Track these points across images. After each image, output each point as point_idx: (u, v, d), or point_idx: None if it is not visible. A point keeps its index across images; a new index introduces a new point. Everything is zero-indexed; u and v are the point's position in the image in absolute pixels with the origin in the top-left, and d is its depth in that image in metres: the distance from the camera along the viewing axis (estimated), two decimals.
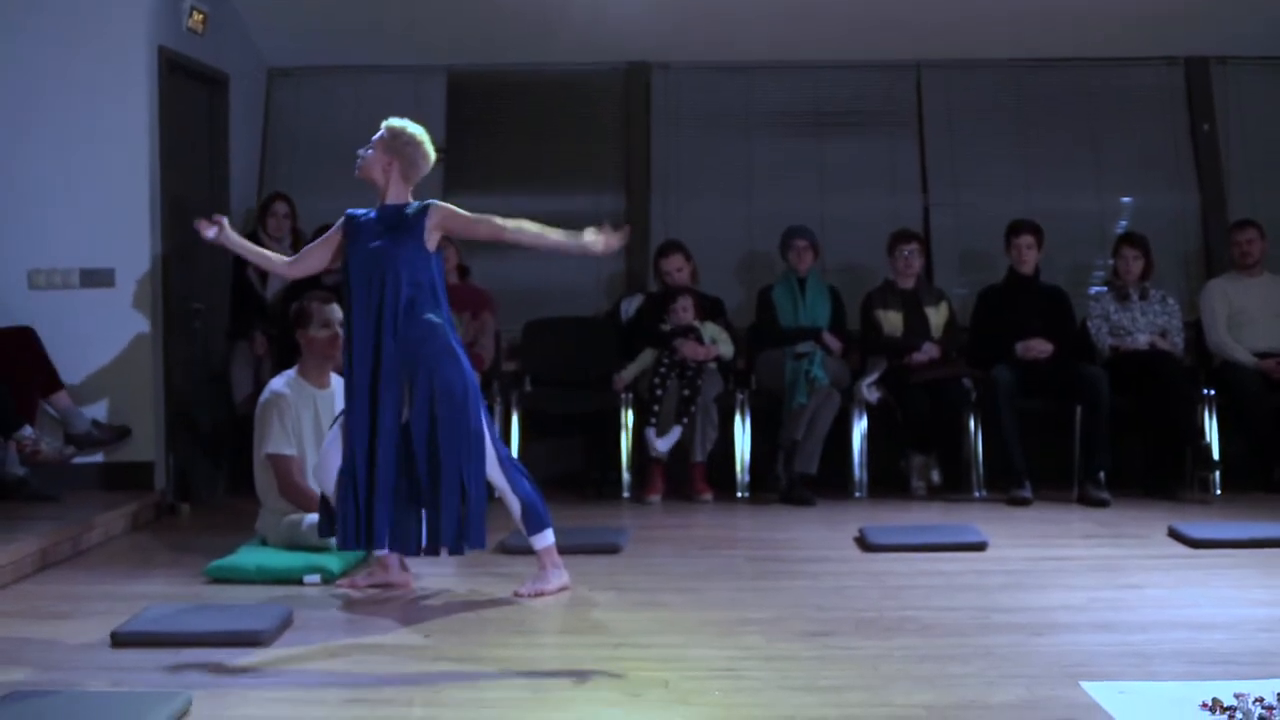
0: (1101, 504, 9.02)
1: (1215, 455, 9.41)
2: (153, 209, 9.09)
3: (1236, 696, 4.55)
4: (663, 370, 9.51)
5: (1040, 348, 9.59)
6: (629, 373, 9.74)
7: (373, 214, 6.66)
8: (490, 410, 9.62)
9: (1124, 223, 10.85)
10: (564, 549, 7.29)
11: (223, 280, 9.98)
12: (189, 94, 9.73)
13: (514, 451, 9.60)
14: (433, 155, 6.71)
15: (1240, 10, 10.57)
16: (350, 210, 6.77)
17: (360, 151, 6.72)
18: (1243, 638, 5.63)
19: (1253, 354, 9.68)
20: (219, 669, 5.30)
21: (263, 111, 11.00)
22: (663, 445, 9.38)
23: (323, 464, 6.70)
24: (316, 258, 6.92)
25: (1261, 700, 4.49)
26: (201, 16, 9.62)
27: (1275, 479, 9.51)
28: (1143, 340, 9.67)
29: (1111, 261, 10.05)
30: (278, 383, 7.53)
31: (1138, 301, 9.79)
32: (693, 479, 9.49)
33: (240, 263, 9.95)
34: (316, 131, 10.98)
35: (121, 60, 9.03)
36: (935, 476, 9.72)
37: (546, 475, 9.76)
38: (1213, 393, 9.64)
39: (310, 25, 10.59)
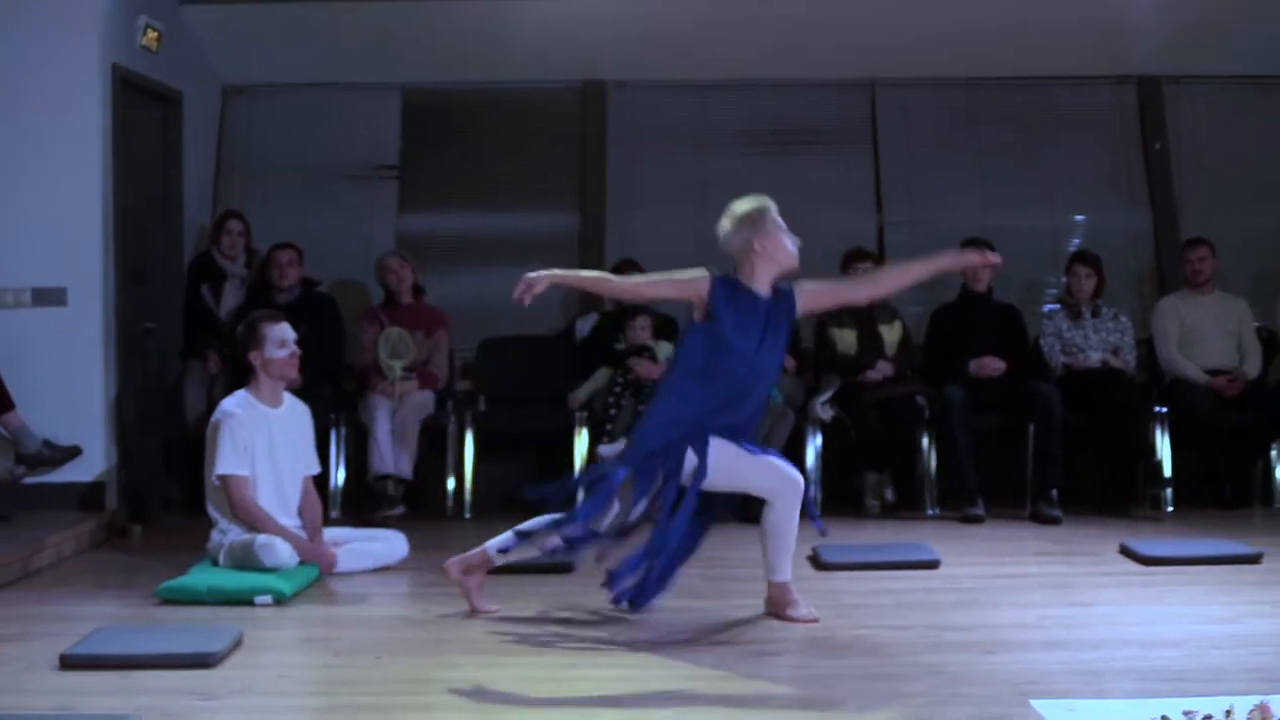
0: (1054, 521, 9.05)
1: (1167, 472, 9.47)
2: (106, 228, 9.05)
3: (1186, 714, 4.55)
4: (617, 389, 9.52)
5: (993, 365, 9.63)
6: (584, 391, 9.74)
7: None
8: (444, 429, 9.70)
9: (1077, 240, 10.91)
10: (516, 568, 7.30)
11: (176, 299, 9.96)
12: (143, 112, 9.70)
13: (469, 470, 9.66)
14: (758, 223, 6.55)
15: (1192, 30, 10.65)
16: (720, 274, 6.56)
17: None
18: (1193, 655, 5.64)
19: (1204, 371, 9.74)
20: (169, 691, 5.25)
21: (217, 129, 10.98)
22: (606, 452, 9.37)
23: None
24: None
25: (1211, 718, 4.50)
26: (155, 34, 9.59)
27: (1226, 496, 9.56)
28: (1095, 358, 9.71)
29: (1064, 279, 10.10)
30: (230, 402, 7.49)
31: (1090, 319, 9.84)
32: None
33: (194, 281, 9.95)
34: (271, 149, 10.98)
35: (75, 78, 8.99)
36: (889, 495, 9.74)
37: (501, 493, 9.83)
38: (1164, 410, 9.69)
39: (264, 43, 10.58)
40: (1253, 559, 7.58)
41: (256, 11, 10.36)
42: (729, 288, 6.39)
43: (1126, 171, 11.11)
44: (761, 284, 6.43)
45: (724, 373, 6.34)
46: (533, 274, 6.41)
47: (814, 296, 6.65)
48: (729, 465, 6.35)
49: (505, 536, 6.63)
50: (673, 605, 6.69)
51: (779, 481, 6.40)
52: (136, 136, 9.55)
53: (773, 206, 6.51)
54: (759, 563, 6.52)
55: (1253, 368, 9.83)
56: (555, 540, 6.55)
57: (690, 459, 6.30)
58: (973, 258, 6.72)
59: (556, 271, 6.61)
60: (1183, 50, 10.88)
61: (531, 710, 5.03)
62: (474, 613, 6.54)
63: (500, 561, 6.65)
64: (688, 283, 6.47)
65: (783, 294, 6.48)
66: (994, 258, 6.69)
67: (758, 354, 6.38)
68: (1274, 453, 9.65)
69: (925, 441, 9.65)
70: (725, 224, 6.50)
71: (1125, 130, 11.18)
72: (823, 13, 10.40)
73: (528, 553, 6.65)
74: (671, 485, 6.34)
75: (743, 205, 6.51)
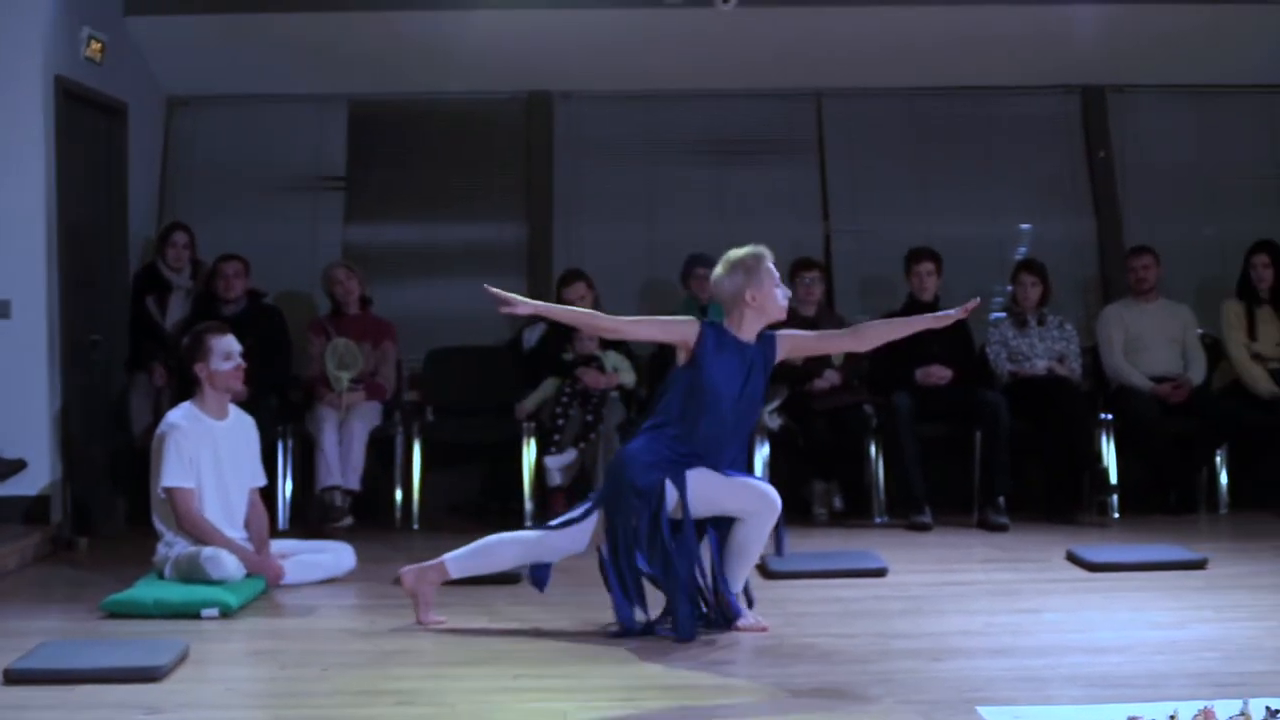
0: (1001, 529, 9.08)
1: (1113, 479, 9.51)
2: (49, 239, 8.98)
3: (1131, 719, 4.58)
4: (565, 399, 9.51)
5: (940, 374, 9.67)
6: (531, 402, 9.73)
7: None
8: (391, 440, 9.67)
9: (1022, 249, 10.96)
10: (463, 580, 7.29)
11: (121, 311, 9.91)
12: (87, 123, 9.65)
13: (416, 480, 9.64)
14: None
15: (1136, 40, 10.71)
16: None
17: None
18: (1138, 660, 5.67)
19: (1149, 379, 9.79)
20: (115, 705, 5.23)
21: (162, 141, 10.92)
22: (552, 463, 9.38)
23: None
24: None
25: None
26: (99, 45, 9.54)
27: (1172, 502, 9.62)
28: (1041, 366, 9.76)
29: (1010, 288, 10.15)
30: (175, 415, 7.46)
31: (1036, 327, 9.89)
32: None
33: (139, 293, 9.90)
34: (216, 161, 10.93)
35: (17, 89, 8.93)
36: (837, 503, 9.77)
37: (447, 504, 9.82)
38: (1110, 417, 9.75)
39: (210, 54, 10.53)
40: (1198, 564, 7.63)
41: (201, 23, 10.32)
42: (716, 336, 6.39)
43: (1071, 180, 11.16)
44: (748, 333, 6.44)
45: (706, 417, 6.35)
46: (516, 298, 6.37)
47: (794, 344, 6.67)
48: (707, 493, 6.36)
49: (465, 550, 6.60)
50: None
51: (757, 502, 6.42)
52: (81, 148, 9.49)
53: (769, 256, 6.47)
54: (703, 572, 6.51)
55: (1197, 374, 9.89)
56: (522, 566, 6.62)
57: (671, 493, 6.30)
58: (953, 314, 6.73)
59: (540, 304, 6.67)
60: (1126, 60, 10.95)
61: None
62: (420, 624, 6.53)
63: (457, 574, 6.63)
64: (676, 326, 6.49)
65: (764, 339, 6.49)
66: (971, 305, 6.70)
67: (739, 400, 6.40)
68: (1219, 459, 9.72)
69: (873, 450, 9.68)
70: (719, 269, 6.47)
71: (1070, 139, 11.24)
72: (769, 24, 10.41)
73: (489, 565, 6.64)
74: (661, 519, 6.31)
75: (739, 252, 6.47)
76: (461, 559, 6.60)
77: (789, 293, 6.56)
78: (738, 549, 6.44)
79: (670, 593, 6.30)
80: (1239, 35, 10.62)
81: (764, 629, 6.35)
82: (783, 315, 6.51)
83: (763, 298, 6.39)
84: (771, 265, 6.46)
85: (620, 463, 6.43)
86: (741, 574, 6.49)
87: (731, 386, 6.36)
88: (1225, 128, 11.23)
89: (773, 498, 6.44)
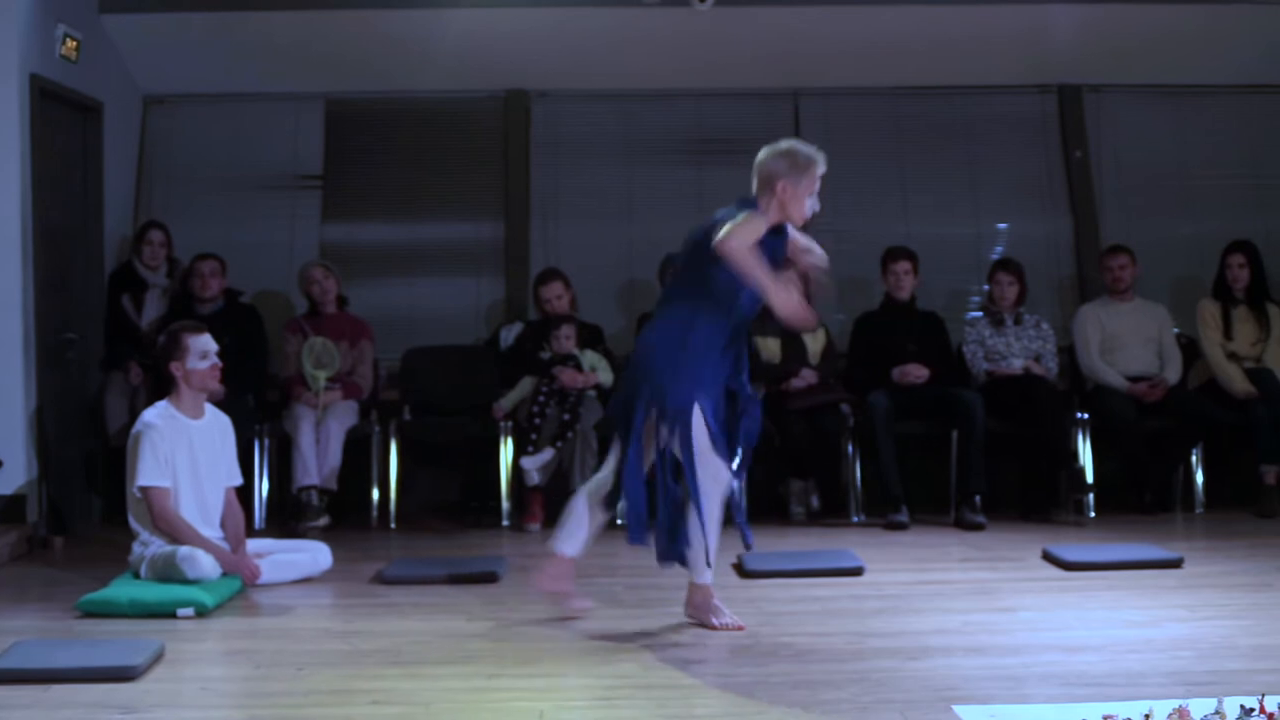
0: (977, 527, 9.10)
1: (1089, 478, 9.53)
2: (24, 238, 8.95)
3: (1106, 718, 4.59)
4: (542, 398, 9.51)
5: (916, 373, 9.69)
6: (508, 401, 9.73)
7: None
8: (368, 439, 9.66)
9: (999, 248, 10.98)
10: (441, 579, 7.32)
11: (96, 310, 9.88)
12: (62, 122, 9.62)
13: (392, 480, 9.63)
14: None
15: (1113, 40, 10.73)
16: None
17: None
18: (1113, 659, 5.68)
19: (1125, 378, 9.81)
20: (90, 705, 5.22)
21: (138, 139, 10.88)
22: (529, 464, 9.37)
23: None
24: None
25: None
26: (74, 44, 9.51)
27: (1147, 502, 9.64)
28: (1017, 365, 9.79)
29: (987, 287, 10.17)
30: (150, 414, 7.44)
31: (1012, 326, 9.91)
32: None
33: (115, 292, 9.87)
34: (193, 159, 10.90)
35: None
36: (814, 502, 9.78)
37: (424, 504, 9.80)
38: (1086, 416, 9.78)
39: (186, 53, 10.50)
40: (1173, 564, 7.65)
41: (177, 21, 10.28)
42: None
43: (1048, 180, 11.18)
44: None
45: (742, 302, 6.32)
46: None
47: (794, 247, 6.56)
48: (699, 439, 6.33)
49: (564, 529, 6.58)
50: (596, 614, 6.70)
51: (710, 485, 6.38)
52: (56, 147, 9.46)
53: (822, 165, 6.39)
54: (680, 571, 6.52)
55: (1173, 374, 9.91)
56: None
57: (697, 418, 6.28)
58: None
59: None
60: (1103, 60, 10.97)
61: None
62: (576, 614, 6.53)
63: (574, 552, 6.59)
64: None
65: (778, 232, 6.42)
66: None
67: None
68: (1194, 458, 9.74)
69: (849, 449, 9.69)
70: (771, 149, 6.39)
71: (1046, 139, 11.26)
72: (746, 24, 10.41)
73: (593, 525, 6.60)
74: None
75: (800, 145, 6.41)
76: (566, 537, 6.57)
77: (818, 206, 6.45)
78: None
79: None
80: (1215, 36, 10.65)
81: (740, 628, 6.35)
82: (798, 223, 6.44)
83: (791, 195, 6.30)
84: (819, 176, 6.37)
85: (660, 369, 6.29)
86: (700, 563, 6.47)
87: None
88: (1201, 128, 11.26)
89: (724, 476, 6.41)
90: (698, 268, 6.33)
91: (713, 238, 6.18)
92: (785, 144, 6.42)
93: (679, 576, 6.62)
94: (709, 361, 6.34)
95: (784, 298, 6.17)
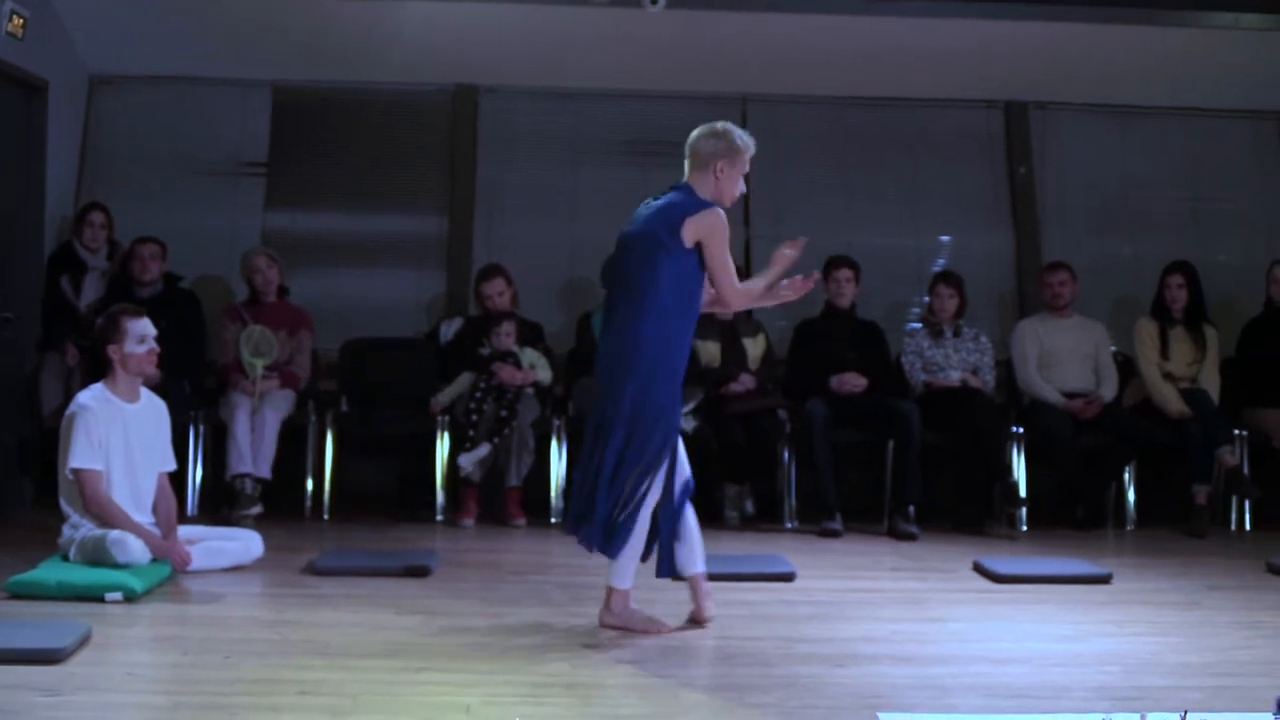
0: (910, 538, 9.14)
1: (1022, 492, 9.59)
2: None
3: None
4: (479, 394, 9.49)
5: (854, 382, 9.72)
6: (446, 396, 9.71)
7: None
8: (304, 429, 9.63)
9: (941, 261, 11.04)
10: (372, 571, 7.29)
11: (34, 290, 9.81)
12: (6, 100, 9.56)
13: (327, 471, 9.60)
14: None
15: (1059, 58, 10.80)
16: None
17: None
18: (1039, 671, 5.71)
19: (1061, 394, 9.87)
20: (13, 686, 5.17)
21: (83, 119, 10.82)
22: (465, 461, 9.35)
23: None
24: None
25: None
26: (21, 21, 9.44)
27: (1080, 517, 9.70)
28: (955, 377, 9.84)
29: (927, 299, 10.22)
30: (85, 396, 7.39)
31: (951, 339, 9.96)
32: (507, 504, 9.48)
33: (54, 272, 9.81)
34: (138, 142, 10.86)
35: None
36: (749, 507, 9.80)
37: (360, 496, 9.77)
38: (1021, 430, 9.83)
39: (134, 34, 10.44)
40: (1103, 579, 7.70)
41: (127, 1, 10.22)
42: None
43: (991, 194, 11.25)
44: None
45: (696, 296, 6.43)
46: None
47: (698, 233, 6.45)
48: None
49: (616, 563, 6.44)
50: (525, 612, 6.70)
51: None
52: None
53: (753, 148, 6.49)
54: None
55: (1109, 391, 9.98)
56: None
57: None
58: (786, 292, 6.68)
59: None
60: (1049, 77, 11.04)
61: (381, 712, 5.00)
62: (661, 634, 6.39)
63: (628, 583, 6.45)
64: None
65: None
66: (807, 285, 6.67)
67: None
68: (1127, 476, 9.81)
69: (786, 455, 9.71)
70: (707, 129, 6.46)
71: (991, 154, 11.33)
72: (696, 27, 10.43)
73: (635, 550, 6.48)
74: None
75: (729, 125, 6.48)
76: (618, 570, 6.44)
77: (744, 190, 6.55)
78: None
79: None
80: (1160, 57, 10.72)
81: (667, 630, 6.35)
82: (729, 204, 6.45)
83: (728, 176, 6.41)
84: (749, 160, 6.48)
85: (662, 407, 6.38)
86: (629, 568, 6.46)
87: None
88: (1145, 148, 11.36)
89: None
90: (648, 266, 6.34)
91: (657, 234, 6.27)
92: (720, 125, 6.48)
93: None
94: (682, 360, 6.45)
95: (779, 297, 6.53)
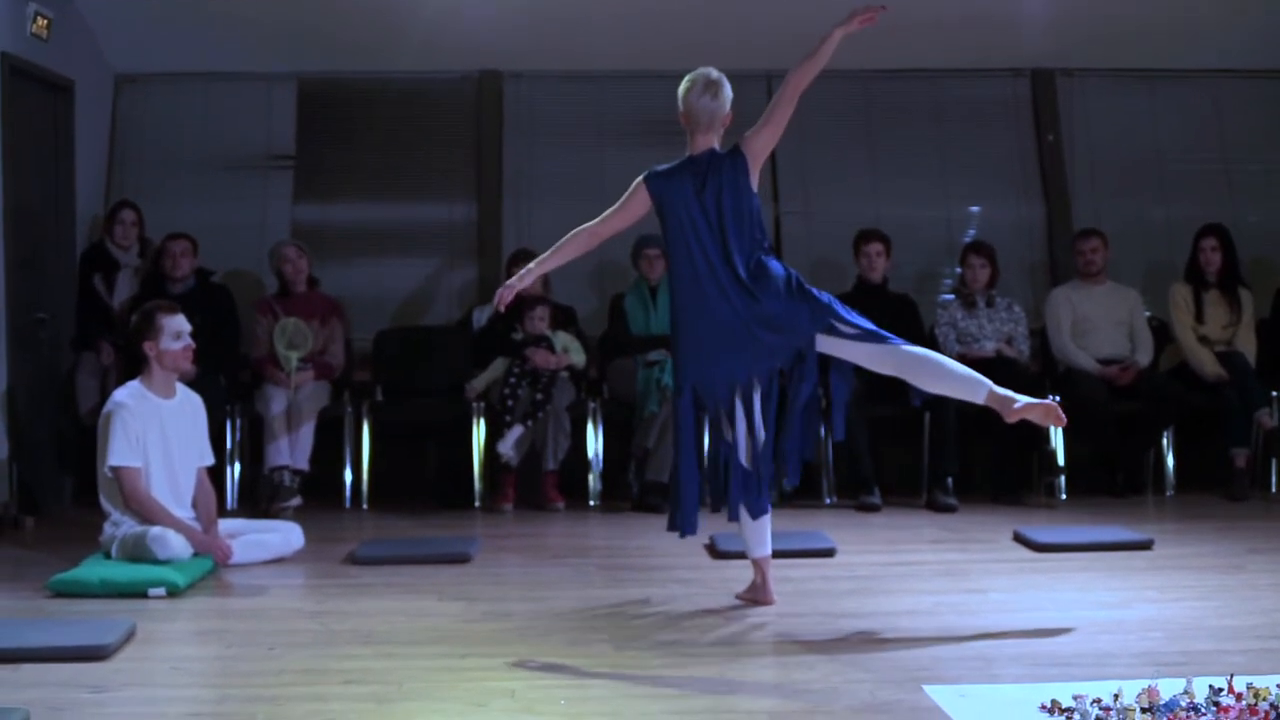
0: (949, 509, 9.13)
1: (1060, 461, 9.57)
2: None
3: (1075, 698, 4.61)
4: (514, 379, 9.49)
5: None
6: (480, 382, 9.72)
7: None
8: (340, 420, 9.65)
9: (971, 231, 11.00)
10: (413, 559, 7.31)
11: (68, 289, 9.85)
12: (33, 101, 9.58)
13: (366, 460, 9.62)
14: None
15: (1085, 23, 10.75)
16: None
17: None
18: (1083, 640, 5.70)
19: (1096, 361, 9.84)
20: (60, 684, 5.20)
21: (109, 118, 10.85)
22: (503, 446, 9.35)
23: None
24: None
25: (1099, 701, 4.55)
26: (46, 22, 9.47)
27: (1118, 484, 9.68)
28: (989, 347, 9.81)
29: (959, 270, 10.19)
30: (121, 394, 7.42)
31: (984, 309, 9.93)
32: (544, 488, 9.49)
33: (87, 271, 9.85)
34: (165, 139, 10.88)
35: None
36: (786, 484, 9.76)
37: (398, 485, 9.79)
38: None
39: (158, 32, 10.46)
40: (1143, 545, 7.68)
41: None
42: (662, 175, 6.55)
43: (1020, 163, 11.20)
44: (701, 146, 6.60)
45: (682, 256, 6.45)
46: (508, 284, 6.69)
47: (756, 137, 6.63)
48: None
49: (749, 536, 6.57)
50: (566, 595, 6.72)
51: None
52: (27, 125, 9.42)
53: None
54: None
55: (1144, 357, 9.94)
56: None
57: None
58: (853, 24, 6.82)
59: (524, 273, 6.81)
60: (1075, 43, 10.99)
61: (426, 699, 5.01)
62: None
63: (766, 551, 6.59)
64: (629, 201, 6.60)
65: (730, 149, 6.56)
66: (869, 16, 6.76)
67: (704, 215, 6.45)
68: (1165, 441, 9.78)
69: (822, 431, 9.69)
70: (705, 84, 6.72)
71: (1019, 122, 11.28)
72: (720, 5, 10.41)
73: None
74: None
75: (719, 75, 6.71)
76: (753, 540, 6.59)
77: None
78: None
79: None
80: (1188, 20, 10.66)
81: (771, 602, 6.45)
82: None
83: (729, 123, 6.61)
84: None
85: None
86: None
87: (684, 192, 6.47)
88: (1174, 111, 11.29)
89: None
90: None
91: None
92: (718, 78, 6.76)
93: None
94: None
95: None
